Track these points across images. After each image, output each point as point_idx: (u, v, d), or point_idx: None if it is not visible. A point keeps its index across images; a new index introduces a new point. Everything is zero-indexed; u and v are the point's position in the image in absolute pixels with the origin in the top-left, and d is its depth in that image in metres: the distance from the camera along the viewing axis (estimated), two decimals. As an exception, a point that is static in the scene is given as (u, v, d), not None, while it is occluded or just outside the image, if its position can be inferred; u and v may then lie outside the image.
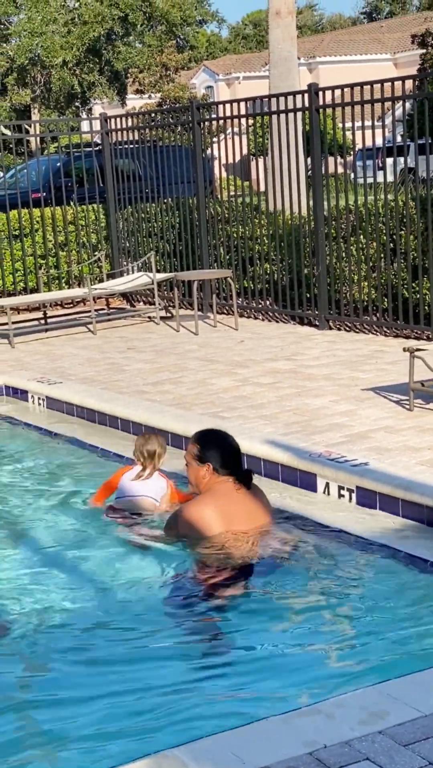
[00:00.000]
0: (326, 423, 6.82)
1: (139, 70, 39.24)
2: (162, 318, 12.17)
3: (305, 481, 5.91)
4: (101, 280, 13.37)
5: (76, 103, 38.62)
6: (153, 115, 14.10)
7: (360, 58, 50.41)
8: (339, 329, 10.59)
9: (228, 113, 11.90)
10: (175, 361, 9.47)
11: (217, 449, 5.06)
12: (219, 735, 3.14)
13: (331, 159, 12.24)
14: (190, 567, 4.80)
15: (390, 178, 10.82)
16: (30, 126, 24.22)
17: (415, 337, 9.69)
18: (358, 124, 10.65)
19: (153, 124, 13.63)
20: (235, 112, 11.78)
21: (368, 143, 11.51)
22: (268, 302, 11.64)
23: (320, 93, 10.59)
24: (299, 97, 10.92)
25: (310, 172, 11.02)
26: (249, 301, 11.84)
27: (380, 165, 12.63)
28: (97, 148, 14.64)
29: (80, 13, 35.57)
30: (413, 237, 9.62)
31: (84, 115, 38.82)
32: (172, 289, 12.25)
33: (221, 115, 12.28)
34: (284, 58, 14.99)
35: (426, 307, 9.57)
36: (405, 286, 9.75)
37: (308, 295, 10.97)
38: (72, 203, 14.29)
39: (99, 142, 14.38)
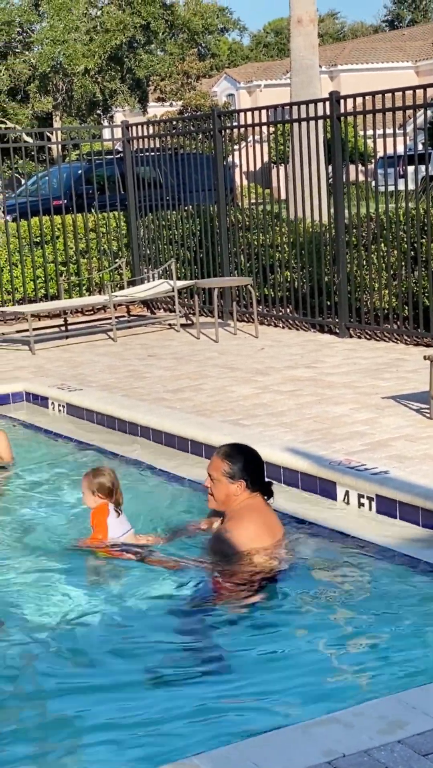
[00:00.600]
0: (346, 431, 6.81)
1: (160, 78, 39.40)
2: (182, 325, 12.19)
3: (325, 489, 5.90)
4: (122, 288, 13.40)
5: (98, 111, 38.77)
6: (174, 122, 14.14)
7: (381, 66, 50.37)
8: (360, 337, 10.57)
9: (249, 121, 11.92)
10: (195, 369, 9.48)
11: (249, 465, 5.01)
12: (238, 744, 3.14)
13: (352, 167, 12.23)
14: (209, 580, 4.77)
15: (411, 186, 10.80)
16: (52, 134, 24.32)
17: (436, 345, 9.66)
18: (379, 132, 10.65)
19: (174, 131, 13.66)
20: (256, 120, 11.80)
21: (390, 151, 11.49)
22: (288, 310, 11.64)
23: (342, 101, 10.59)
24: (320, 105, 10.93)
25: (331, 180, 11.02)
26: (269, 309, 11.85)
27: (402, 173, 12.61)
28: (119, 156, 14.69)
29: (102, 21, 35.72)
30: (434, 245, 9.59)
31: (105, 123, 38.97)
32: (193, 296, 12.26)
33: (242, 123, 12.29)
34: (305, 66, 15.01)
35: (447, 316, 9.54)
36: (426, 294, 9.73)
37: (329, 303, 10.96)
38: (93, 210, 14.34)
39: (120, 149, 14.43)
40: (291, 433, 6.84)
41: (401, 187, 10.74)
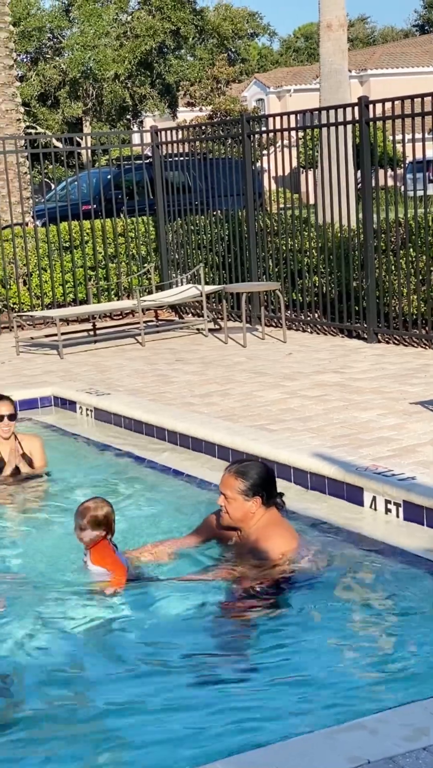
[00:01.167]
0: (373, 437, 6.79)
1: (190, 83, 39.47)
2: (210, 330, 12.20)
3: (352, 495, 5.88)
4: (150, 292, 13.43)
5: (128, 116, 38.93)
6: (204, 127, 14.16)
7: (412, 71, 50.23)
8: (388, 342, 10.54)
9: (278, 126, 11.92)
10: (223, 373, 9.49)
11: (263, 480, 4.96)
12: (262, 749, 3.14)
13: (381, 172, 12.20)
14: (236, 588, 4.75)
15: (441, 191, 10.76)
16: (81, 139, 24.40)
17: (464, 351, 9.62)
18: (409, 136, 10.62)
19: (203, 136, 13.69)
20: (285, 125, 11.80)
21: (419, 156, 11.46)
22: (316, 315, 11.63)
23: (371, 106, 10.57)
24: (349, 109, 10.91)
25: (360, 184, 11.00)
26: (297, 314, 11.83)
27: (431, 178, 12.57)
28: (148, 161, 14.73)
29: (132, 27, 35.89)
30: (463, 250, 9.56)
31: (135, 128, 39.08)
32: (221, 301, 12.27)
33: (271, 127, 12.30)
34: (334, 71, 14.99)
35: None
36: (455, 299, 9.69)
37: (357, 308, 10.94)
38: (122, 215, 14.39)
39: (149, 154, 14.46)
40: (318, 438, 6.83)
41: (431, 192, 10.71)
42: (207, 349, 11.11)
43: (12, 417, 6.75)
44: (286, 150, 12.09)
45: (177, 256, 13.87)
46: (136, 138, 29.94)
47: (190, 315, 13.62)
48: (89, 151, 17.01)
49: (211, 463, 6.86)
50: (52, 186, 15.87)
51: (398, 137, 11.68)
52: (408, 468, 5.95)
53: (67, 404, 8.88)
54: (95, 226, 14.07)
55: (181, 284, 13.14)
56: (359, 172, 10.95)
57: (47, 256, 13.80)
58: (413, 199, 10.22)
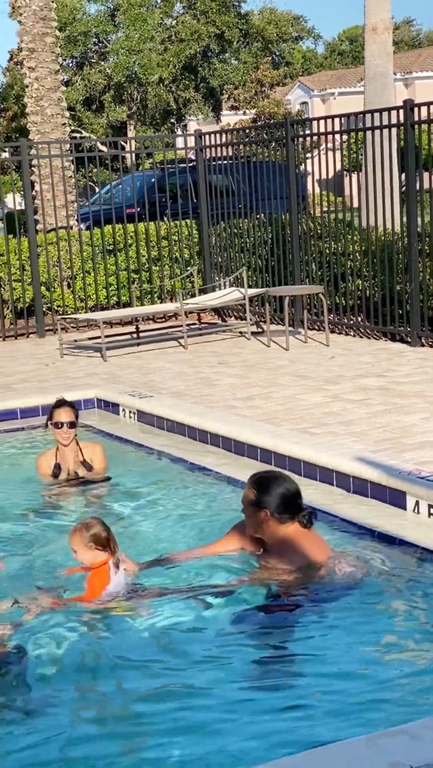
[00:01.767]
0: (416, 440, 6.75)
1: (234, 86, 39.50)
2: (253, 333, 12.20)
3: (395, 499, 5.85)
4: (193, 295, 13.46)
5: (171, 120, 39.02)
6: (247, 131, 14.16)
7: (457, 74, 49.92)
8: (431, 346, 10.47)
9: (322, 129, 11.89)
10: (265, 377, 9.48)
11: (274, 495, 4.85)
12: (304, 753, 3.12)
13: (426, 175, 12.14)
14: (266, 595, 4.73)
15: None
16: (125, 142, 24.50)
17: None
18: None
19: (247, 140, 13.69)
20: (329, 128, 11.77)
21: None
22: (359, 318, 11.58)
23: (416, 109, 10.52)
24: (394, 112, 10.86)
25: (404, 188, 10.95)
26: (340, 317, 11.79)
27: None
28: (192, 164, 14.76)
29: (177, 31, 35.99)
30: None
31: (178, 132, 39.17)
32: (264, 304, 12.26)
33: (315, 131, 12.27)
34: (379, 74, 14.92)
35: None
36: None
37: (400, 312, 10.88)
38: (165, 219, 14.43)
39: (193, 158, 14.50)
40: (361, 442, 6.80)
41: None
42: (250, 352, 11.10)
43: (72, 425, 6.71)
44: (330, 153, 12.06)
45: (220, 259, 13.89)
46: (180, 142, 30.02)
47: (232, 318, 13.62)
48: (133, 154, 17.07)
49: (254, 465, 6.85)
50: (96, 189, 15.95)
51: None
52: (452, 473, 5.91)
53: (110, 406, 8.91)
54: (139, 230, 14.12)
55: (224, 287, 13.16)
56: (403, 175, 10.89)
57: (91, 259, 13.87)
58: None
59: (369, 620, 4.50)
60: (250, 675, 4.04)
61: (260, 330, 12.36)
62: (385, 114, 10.96)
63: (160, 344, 12.02)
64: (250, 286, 12.68)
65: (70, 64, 37.91)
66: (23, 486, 6.92)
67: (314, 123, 12.42)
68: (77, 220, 15.07)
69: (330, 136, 11.89)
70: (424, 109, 10.49)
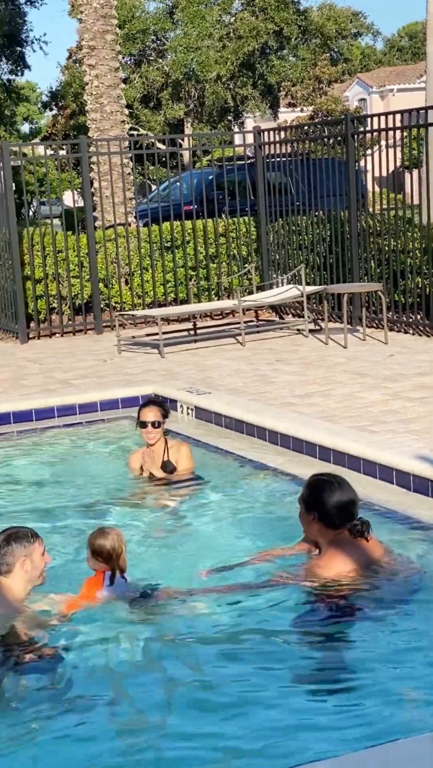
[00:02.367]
0: None
1: (292, 83, 39.37)
2: (311, 331, 12.15)
3: (456, 499, 5.79)
4: (251, 292, 13.44)
5: (228, 117, 39.01)
6: (306, 127, 14.11)
7: None
8: None
9: (382, 125, 11.80)
10: (323, 374, 9.43)
11: (324, 500, 4.73)
12: (366, 751, 3.11)
13: None
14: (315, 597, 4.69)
15: None
16: (182, 140, 24.56)
17: None
18: None
19: (306, 136, 13.64)
20: (389, 125, 11.68)
21: None
22: (419, 316, 11.48)
23: None
24: (455, 108, 10.75)
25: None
26: (399, 315, 11.70)
27: None
28: (249, 161, 14.74)
29: (235, 28, 35.95)
30: None
31: (236, 129, 39.16)
32: (322, 301, 12.21)
33: (374, 127, 12.18)
34: (440, 70, 14.80)
35: None
36: None
37: (461, 310, 10.77)
38: (223, 216, 14.43)
39: (251, 155, 14.47)
40: (421, 440, 6.74)
41: None
42: (307, 349, 11.06)
43: (156, 424, 6.67)
44: (389, 150, 11.96)
45: (278, 257, 13.85)
46: (238, 139, 30.04)
47: (290, 315, 13.58)
48: (191, 151, 17.10)
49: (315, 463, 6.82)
50: (153, 187, 16.01)
51: None
52: None
53: (168, 402, 8.90)
54: (197, 227, 14.13)
55: (282, 285, 13.12)
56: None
57: (149, 255, 13.92)
58: None
59: (429, 620, 4.46)
60: (305, 676, 4.02)
61: (317, 328, 12.31)
62: (446, 110, 10.84)
63: (218, 341, 12.02)
64: (308, 284, 12.63)
65: (128, 62, 38.06)
66: (104, 480, 6.98)
67: (374, 119, 12.33)
68: (135, 217, 15.13)
69: (389, 133, 11.79)
70: None
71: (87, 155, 13.62)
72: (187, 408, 8.57)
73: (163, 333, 11.58)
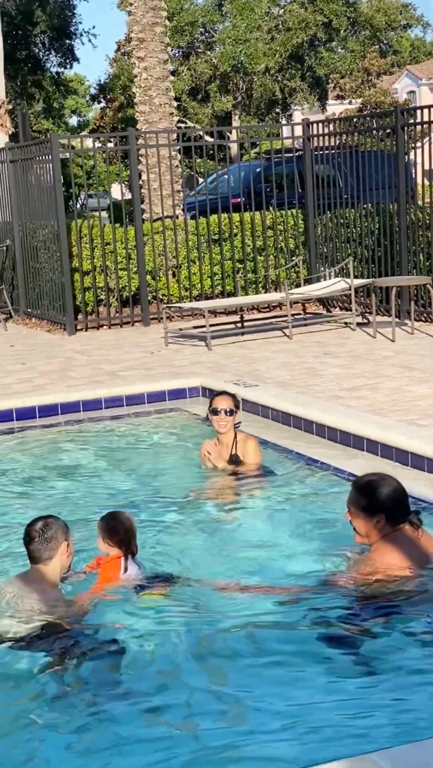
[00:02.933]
0: None
1: (340, 75, 39.16)
2: (358, 324, 12.10)
3: None
4: (298, 285, 13.41)
5: (276, 110, 38.90)
6: (355, 120, 14.04)
7: None
8: None
9: (432, 118, 11.70)
10: (371, 368, 9.40)
11: (387, 499, 4.67)
12: (415, 744, 3.11)
13: None
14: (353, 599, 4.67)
15: None
16: (230, 132, 24.52)
17: None
18: None
19: (355, 129, 13.57)
20: (439, 117, 11.57)
21: None
22: (468, 310, 11.39)
23: None
24: None
25: None
26: (448, 309, 11.62)
27: None
28: (297, 154, 14.70)
29: (284, 20, 35.82)
30: None
31: (283, 121, 39.05)
32: (370, 295, 12.15)
33: (425, 119, 12.08)
34: None
35: None
36: None
37: None
38: (271, 208, 14.40)
39: (299, 147, 14.43)
40: (470, 435, 6.69)
41: None
42: (355, 342, 11.02)
43: (229, 412, 6.62)
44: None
45: (325, 250, 13.81)
46: (286, 131, 29.92)
47: (337, 309, 13.53)
48: (238, 144, 17.09)
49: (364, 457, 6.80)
50: (200, 179, 16.01)
51: None
52: None
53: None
54: (244, 219, 14.12)
55: (330, 278, 13.08)
56: None
57: (196, 248, 13.93)
58: None
59: None
60: (350, 672, 4.02)
61: (365, 321, 12.26)
62: None
63: (265, 334, 12.01)
64: (355, 277, 12.57)
65: (177, 55, 38.06)
66: (165, 473, 7.03)
67: (424, 111, 12.23)
68: (183, 210, 15.15)
69: (440, 125, 11.69)
70: None
71: (135, 148, 13.66)
72: (235, 400, 8.56)
73: (211, 325, 11.60)
